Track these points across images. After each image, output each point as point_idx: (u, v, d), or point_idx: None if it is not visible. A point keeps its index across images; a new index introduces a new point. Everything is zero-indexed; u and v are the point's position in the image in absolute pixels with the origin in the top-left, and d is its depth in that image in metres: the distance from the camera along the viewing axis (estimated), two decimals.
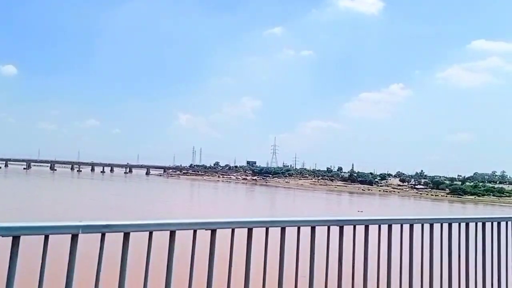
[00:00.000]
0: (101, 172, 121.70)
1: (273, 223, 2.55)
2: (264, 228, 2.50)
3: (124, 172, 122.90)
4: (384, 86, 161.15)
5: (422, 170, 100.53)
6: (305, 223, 2.67)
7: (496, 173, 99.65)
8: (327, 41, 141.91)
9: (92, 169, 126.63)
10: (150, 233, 2.19)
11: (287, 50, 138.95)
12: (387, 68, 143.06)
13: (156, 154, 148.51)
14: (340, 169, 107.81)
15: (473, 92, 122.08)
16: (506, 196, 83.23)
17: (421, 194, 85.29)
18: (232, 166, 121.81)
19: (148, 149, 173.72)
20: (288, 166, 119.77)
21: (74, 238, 1.99)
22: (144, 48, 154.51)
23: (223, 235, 2.40)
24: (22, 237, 1.87)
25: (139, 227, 2.16)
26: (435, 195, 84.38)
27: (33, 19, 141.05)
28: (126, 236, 2.12)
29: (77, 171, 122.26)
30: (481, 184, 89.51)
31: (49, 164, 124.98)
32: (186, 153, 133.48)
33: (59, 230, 1.98)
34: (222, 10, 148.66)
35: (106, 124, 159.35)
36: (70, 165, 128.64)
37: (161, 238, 2.30)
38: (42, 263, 1.92)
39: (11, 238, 1.85)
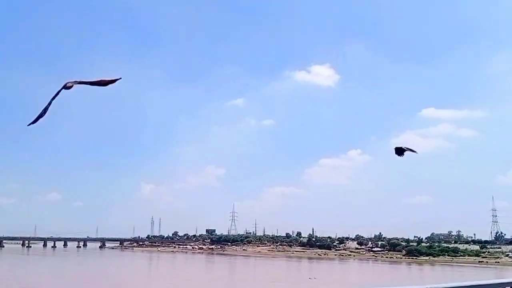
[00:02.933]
0: (52, 247, 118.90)
1: None
2: None
3: (77, 247, 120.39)
4: (342, 152, 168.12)
5: (380, 233, 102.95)
6: None
7: (452, 233, 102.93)
8: (287, 111, 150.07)
9: (45, 245, 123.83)
10: None
11: (249, 120, 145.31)
12: (345, 135, 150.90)
13: (117, 226, 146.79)
14: (299, 234, 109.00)
15: (428, 156, 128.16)
16: (460, 255, 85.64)
17: (376, 256, 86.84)
18: (191, 236, 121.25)
19: (109, 221, 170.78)
20: (250, 232, 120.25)
21: None
22: (107, 119, 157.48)
23: None
24: None
25: None
26: (390, 257, 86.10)
27: None
28: None
29: (27, 247, 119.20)
30: (436, 244, 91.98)
31: None
32: (147, 224, 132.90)
33: None
34: (185, 83, 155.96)
35: (67, 197, 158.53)
36: (21, 241, 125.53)
37: None
38: None
39: None
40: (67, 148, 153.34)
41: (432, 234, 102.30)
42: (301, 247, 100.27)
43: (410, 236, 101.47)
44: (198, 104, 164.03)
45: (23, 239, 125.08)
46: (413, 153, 6.39)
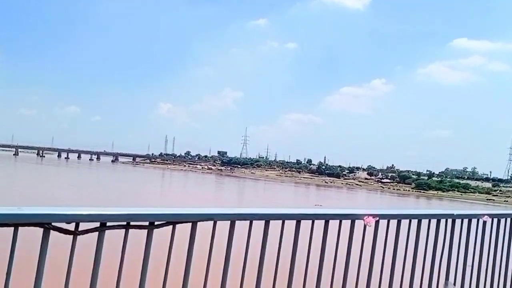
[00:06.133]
0: (65, 158, 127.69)
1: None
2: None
3: (89, 159, 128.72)
4: (366, 81, 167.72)
5: (392, 164, 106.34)
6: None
7: (467, 169, 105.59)
8: (311, 35, 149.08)
9: (59, 155, 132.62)
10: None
11: (271, 42, 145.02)
12: (370, 63, 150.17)
13: (132, 143, 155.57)
14: (309, 161, 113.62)
15: (454, 89, 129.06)
16: (470, 192, 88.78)
17: (383, 188, 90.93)
18: (203, 156, 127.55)
19: (125, 138, 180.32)
20: (262, 157, 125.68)
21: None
22: (127, 36, 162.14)
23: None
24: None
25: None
26: (398, 189, 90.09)
27: (12, 2, 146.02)
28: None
29: (40, 156, 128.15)
30: (448, 179, 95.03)
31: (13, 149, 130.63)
32: (162, 142, 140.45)
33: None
34: (205, 1, 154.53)
35: (86, 111, 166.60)
36: (36, 151, 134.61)
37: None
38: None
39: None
40: (88, 63, 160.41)
41: (446, 169, 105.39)
42: (310, 174, 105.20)
43: (424, 170, 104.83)
44: (217, 23, 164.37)
45: (38, 149, 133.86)
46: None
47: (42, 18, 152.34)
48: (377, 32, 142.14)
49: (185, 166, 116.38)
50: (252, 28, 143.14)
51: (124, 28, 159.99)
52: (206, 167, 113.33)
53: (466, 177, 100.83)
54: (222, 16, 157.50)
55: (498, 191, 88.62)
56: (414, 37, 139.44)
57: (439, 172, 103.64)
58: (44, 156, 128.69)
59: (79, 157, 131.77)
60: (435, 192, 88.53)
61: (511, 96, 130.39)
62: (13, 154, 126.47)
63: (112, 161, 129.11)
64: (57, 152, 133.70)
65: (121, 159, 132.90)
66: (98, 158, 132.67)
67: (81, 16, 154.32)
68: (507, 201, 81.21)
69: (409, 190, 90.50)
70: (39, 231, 1.90)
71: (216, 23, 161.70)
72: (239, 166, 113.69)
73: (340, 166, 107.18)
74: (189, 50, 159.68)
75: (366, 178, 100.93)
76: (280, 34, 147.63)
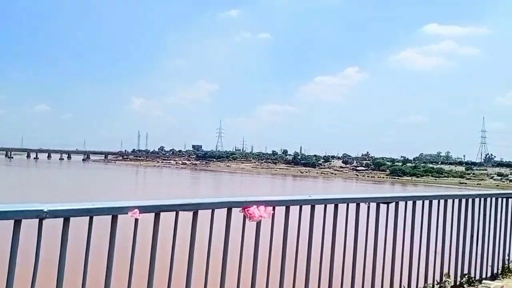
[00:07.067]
0: (34, 158, 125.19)
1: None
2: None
3: (59, 159, 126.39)
4: (339, 69, 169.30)
5: (367, 152, 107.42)
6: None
7: (441, 154, 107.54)
8: (284, 24, 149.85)
9: (28, 156, 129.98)
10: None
11: (244, 33, 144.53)
12: (343, 51, 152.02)
13: (105, 140, 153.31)
14: (285, 152, 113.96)
15: (427, 75, 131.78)
16: (444, 176, 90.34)
17: (357, 176, 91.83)
18: (177, 151, 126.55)
19: (98, 135, 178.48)
20: (239, 149, 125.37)
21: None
22: (97, 30, 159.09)
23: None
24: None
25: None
26: (372, 177, 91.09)
27: None
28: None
29: (9, 157, 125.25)
30: (422, 165, 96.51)
31: None
32: (135, 138, 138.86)
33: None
34: None
35: (57, 109, 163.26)
36: (5, 152, 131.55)
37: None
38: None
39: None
40: (58, 59, 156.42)
41: (420, 154, 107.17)
42: (286, 165, 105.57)
43: (400, 157, 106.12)
44: (189, 15, 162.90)
45: (6, 150, 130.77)
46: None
47: (10, 13, 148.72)
48: (349, 20, 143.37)
49: (158, 162, 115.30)
50: (225, 19, 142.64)
51: (94, 22, 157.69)
52: (180, 162, 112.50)
53: (440, 161, 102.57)
54: (194, 7, 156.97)
55: (471, 174, 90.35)
56: (386, 23, 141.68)
57: (414, 158, 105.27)
58: (12, 157, 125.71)
59: (49, 157, 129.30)
60: (409, 178, 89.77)
61: (482, 80, 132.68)
62: None
63: (83, 159, 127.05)
64: (26, 153, 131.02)
65: (92, 157, 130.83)
66: (69, 158, 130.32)
67: (50, 10, 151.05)
68: (480, 184, 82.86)
69: (383, 177, 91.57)
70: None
71: (188, 15, 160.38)
72: (214, 159, 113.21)
73: (315, 155, 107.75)
74: (161, 42, 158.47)
75: (341, 167, 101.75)
76: (253, 24, 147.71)
